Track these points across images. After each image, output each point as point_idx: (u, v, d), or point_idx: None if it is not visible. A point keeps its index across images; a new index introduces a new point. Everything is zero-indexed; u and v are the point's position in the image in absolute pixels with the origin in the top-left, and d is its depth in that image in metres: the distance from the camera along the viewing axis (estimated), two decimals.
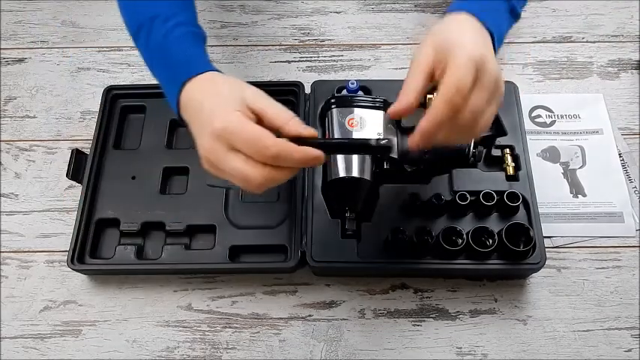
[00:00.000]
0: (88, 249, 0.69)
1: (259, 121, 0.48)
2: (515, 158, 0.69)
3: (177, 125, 0.77)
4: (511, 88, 0.74)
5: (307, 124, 0.50)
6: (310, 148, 0.47)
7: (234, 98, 0.49)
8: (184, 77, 0.52)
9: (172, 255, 0.68)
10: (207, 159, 0.49)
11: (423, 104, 0.52)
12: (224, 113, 0.47)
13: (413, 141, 0.49)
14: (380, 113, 0.65)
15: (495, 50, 0.52)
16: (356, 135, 0.63)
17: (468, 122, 0.48)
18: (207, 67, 0.54)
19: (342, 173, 0.62)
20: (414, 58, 0.51)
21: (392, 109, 0.50)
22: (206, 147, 0.48)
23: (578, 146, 0.76)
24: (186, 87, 0.52)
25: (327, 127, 0.65)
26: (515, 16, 0.58)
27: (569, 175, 0.74)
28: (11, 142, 0.80)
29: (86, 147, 0.75)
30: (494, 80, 0.48)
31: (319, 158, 0.47)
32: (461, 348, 0.65)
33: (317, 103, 0.72)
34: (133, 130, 0.78)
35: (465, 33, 0.50)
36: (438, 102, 0.47)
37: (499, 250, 0.64)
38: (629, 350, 0.64)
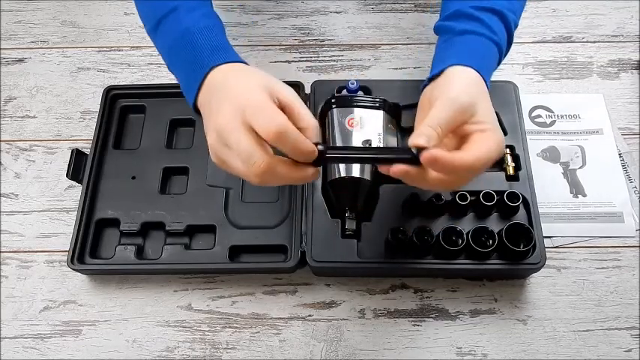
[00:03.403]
0: (88, 249, 0.69)
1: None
2: (516, 158, 0.69)
3: (177, 125, 0.77)
4: (511, 88, 0.74)
5: None
6: (308, 144, 0.46)
7: (264, 84, 0.48)
8: (214, 62, 0.52)
9: (172, 255, 0.68)
10: (218, 132, 0.47)
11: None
12: (251, 92, 0.47)
13: (413, 141, 0.49)
14: (380, 113, 0.65)
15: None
16: (356, 135, 0.63)
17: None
18: (237, 58, 0.54)
19: (342, 173, 0.62)
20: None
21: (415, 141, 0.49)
22: (220, 121, 0.47)
23: (578, 146, 0.76)
24: (214, 71, 0.52)
25: (327, 127, 0.65)
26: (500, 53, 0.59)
27: (569, 175, 0.74)
28: (11, 142, 0.80)
29: (86, 147, 0.75)
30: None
31: (311, 154, 0.47)
32: (461, 348, 0.65)
33: (317, 103, 0.71)
34: (133, 130, 0.78)
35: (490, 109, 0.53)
36: (466, 157, 0.48)
37: (499, 250, 0.64)
38: (629, 350, 0.64)
